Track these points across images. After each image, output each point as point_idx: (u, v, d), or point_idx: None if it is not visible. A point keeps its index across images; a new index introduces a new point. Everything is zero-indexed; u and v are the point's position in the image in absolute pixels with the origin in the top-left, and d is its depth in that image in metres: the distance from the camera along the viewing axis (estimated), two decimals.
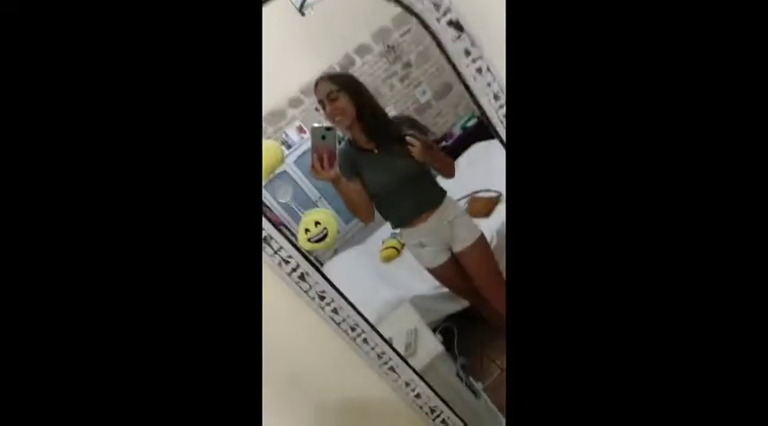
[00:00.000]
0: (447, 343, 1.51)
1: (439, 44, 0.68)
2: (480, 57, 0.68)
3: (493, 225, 1.42)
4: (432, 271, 1.44)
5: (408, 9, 0.63)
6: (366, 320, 0.71)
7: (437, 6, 0.62)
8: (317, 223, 0.67)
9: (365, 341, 0.71)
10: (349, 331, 0.70)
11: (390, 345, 0.73)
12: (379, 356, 0.72)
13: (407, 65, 3.30)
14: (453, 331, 1.75)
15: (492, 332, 1.81)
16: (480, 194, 2.21)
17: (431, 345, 1.32)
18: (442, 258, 1.40)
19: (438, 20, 0.64)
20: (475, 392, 1.43)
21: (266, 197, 2.83)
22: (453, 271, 1.42)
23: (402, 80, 3.31)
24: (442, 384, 1.26)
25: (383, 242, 2.51)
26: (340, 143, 1.04)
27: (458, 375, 1.39)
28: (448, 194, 1.36)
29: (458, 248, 1.39)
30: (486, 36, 0.67)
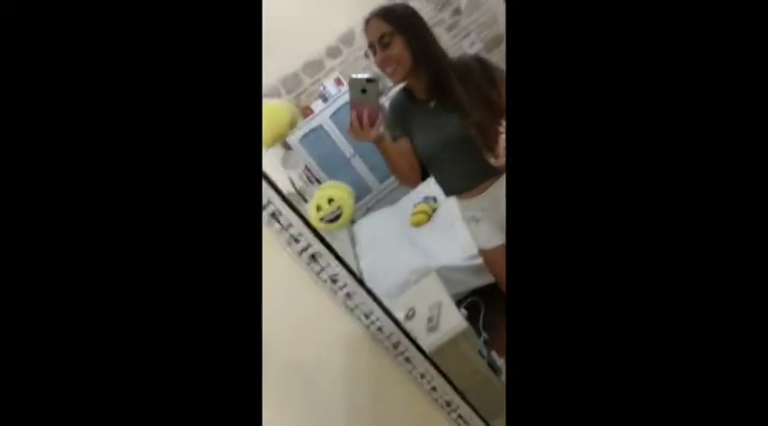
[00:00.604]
0: (472, 318, 1.47)
1: None
2: None
3: None
4: (483, 254, 1.19)
5: None
6: (382, 306, 0.66)
7: None
8: (330, 200, 0.60)
9: (380, 329, 0.67)
10: (363, 318, 0.66)
11: (407, 334, 0.68)
12: (394, 346, 0.68)
13: (457, 11, 2.99)
14: (480, 306, 1.70)
15: None
16: None
17: (454, 320, 1.28)
18: (498, 239, 1.13)
19: None
20: (496, 369, 1.40)
21: (302, 152, 2.81)
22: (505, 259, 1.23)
23: (450, 29, 3.02)
24: (462, 361, 1.24)
25: (415, 205, 2.46)
26: (380, 96, 0.85)
27: (480, 352, 1.35)
28: None
29: None
30: None
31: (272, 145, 0.66)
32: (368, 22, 0.94)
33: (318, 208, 0.61)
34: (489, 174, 1.04)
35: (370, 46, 0.94)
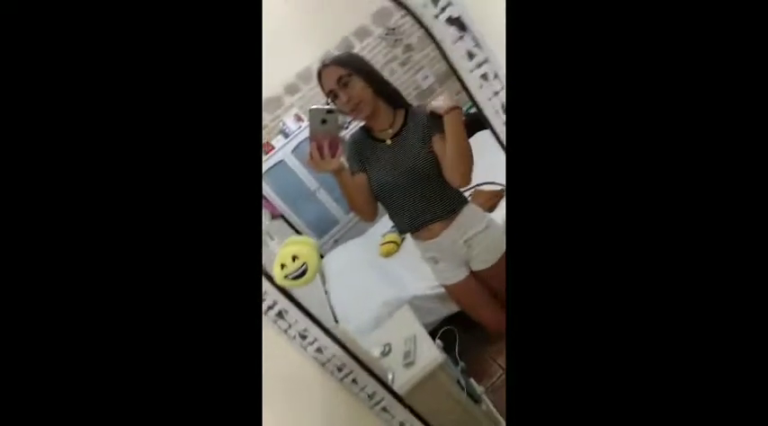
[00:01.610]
0: (447, 348, 1.47)
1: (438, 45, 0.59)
2: (486, 61, 0.59)
3: (497, 220, 1.27)
4: (447, 289, 1.23)
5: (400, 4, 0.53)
6: (354, 357, 0.65)
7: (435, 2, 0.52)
8: (294, 257, 0.60)
9: (354, 381, 0.65)
10: (336, 371, 0.64)
11: (382, 383, 0.67)
12: (369, 396, 0.66)
13: (409, 48, 3.15)
14: (454, 334, 1.70)
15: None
16: (483, 187, 2.12)
17: (431, 354, 1.27)
18: (460, 276, 1.16)
19: (436, 16, 0.55)
20: (476, 398, 1.40)
21: (265, 188, 2.77)
22: (472, 292, 1.19)
23: (403, 64, 3.16)
24: (441, 394, 1.22)
25: (383, 236, 2.47)
26: (344, 128, 0.87)
27: (458, 382, 1.34)
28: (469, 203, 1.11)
29: (477, 267, 1.16)
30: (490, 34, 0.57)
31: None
32: (321, 71, 0.96)
33: (282, 266, 0.60)
34: (445, 213, 1.07)
35: (330, 93, 0.96)
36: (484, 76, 0.60)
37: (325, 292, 2.19)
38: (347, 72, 0.94)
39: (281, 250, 0.65)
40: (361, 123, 1.08)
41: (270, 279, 0.60)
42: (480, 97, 0.61)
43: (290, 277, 0.62)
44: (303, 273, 0.63)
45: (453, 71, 0.61)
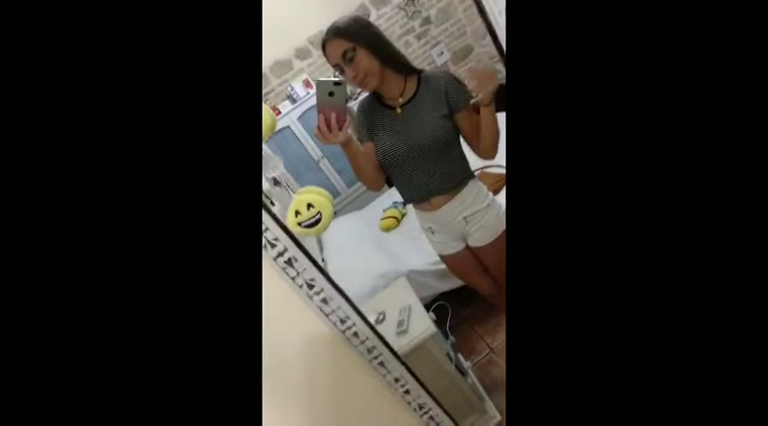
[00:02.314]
0: (439, 322, 1.49)
1: None
2: None
3: (502, 203, 1.27)
4: (442, 258, 1.24)
5: None
6: (358, 312, 0.66)
7: None
8: (309, 205, 0.59)
9: (355, 334, 0.66)
10: (339, 323, 0.65)
11: (382, 339, 0.68)
12: (369, 350, 0.67)
13: (427, 21, 3.06)
14: (447, 309, 1.73)
15: (484, 311, 1.80)
16: (490, 169, 2.11)
17: (423, 324, 1.29)
18: (455, 247, 1.18)
19: None
20: (462, 371, 1.44)
21: (266, 151, 2.74)
22: (467, 263, 1.20)
23: (419, 38, 3.08)
24: (431, 364, 1.25)
25: (384, 210, 2.47)
26: (351, 98, 0.85)
27: (447, 354, 1.38)
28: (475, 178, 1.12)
29: (474, 244, 1.16)
30: None
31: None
32: (325, 44, 0.93)
33: (297, 213, 0.60)
34: (447, 188, 1.07)
35: (335, 66, 0.94)
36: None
37: (322, 260, 2.21)
38: (351, 46, 0.90)
39: (297, 197, 0.65)
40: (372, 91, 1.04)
41: (282, 225, 0.59)
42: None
43: (304, 224, 0.62)
44: (317, 222, 0.63)
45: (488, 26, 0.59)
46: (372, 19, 2.81)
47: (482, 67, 1.01)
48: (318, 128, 0.82)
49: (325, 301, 0.63)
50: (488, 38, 2.85)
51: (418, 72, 1.04)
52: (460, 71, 3.07)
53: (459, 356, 1.53)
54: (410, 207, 1.18)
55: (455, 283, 1.72)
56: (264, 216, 0.57)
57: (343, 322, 0.65)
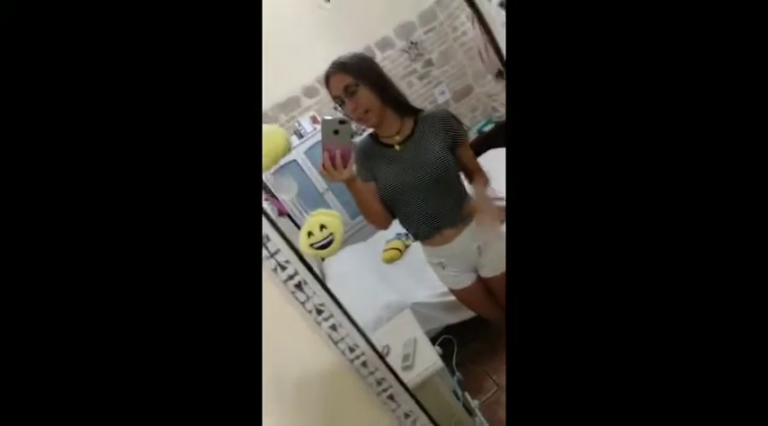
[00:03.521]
0: (445, 357, 1.45)
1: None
2: None
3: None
4: (454, 293, 1.22)
5: None
6: (368, 341, 0.64)
7: None
8: (322, 227, 0.60)
9: (364, 364, 0.64)
10: (347, 351, 0.63)
11: (392, 371, 0.65)
12: (378, 382, 0.65)
13: (429, 63, 3.22)
14: (453, 344, 1.68)
15: (491, 346, 1.74)
16: (494, 202, 2.14)
17: (429, 359, 1.25)
18: (467, 281, 1.17)
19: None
20: (470, 411, 1.37)
21: (272, 184, 2.79)
22: (479, 295, 1.19)
23: (422, 78, 3.23)
24: (438, 400, 1.20)
25: (387, 241, 2.46)
26: (352, 137, 0.88)
27: (454, 392, 1.32)
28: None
29: (486, 275, 1.16)
30: None
31: (269, 168, 0.66)
32: (328, 77, 0.96)
33: (310, 234, 0.60)
34: (456, 220, 1.07)
35: (336, 98, 0.96)
36: None
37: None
38: (354, 81, 0.93)
39: (310, 219, 0.65)
40: (369, 130, 1.07)
41: (293, 247, 0.59)
42: None
43: (316, 246, 0.62)
44: (329, 243, 0.63)
45: (498, 52, 0.62)
46: (378, 60, 2.96)
47: (434, 115, 1.05)
48: (323, 165, 0.83)
49: (334, 328, 0.62)
50: (489, 77, 2.96)
51: (416, 112, 1.07)
52: (460, 109, 3.18)
53: (467, 395, 1.47)
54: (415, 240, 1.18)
55: (461, 316, 1.68)
56: (276, 237, 0.58)
57: (351, 350, 0.63)
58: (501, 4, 0.61)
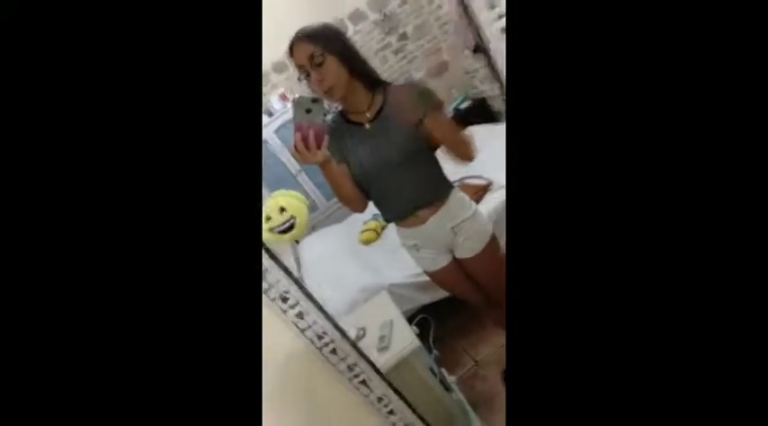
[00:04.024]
0: (422, 336, 1.45)
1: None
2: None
3: (484, 212, 1.26)
4: (429, 275, 1.20)
5: None
6: (337, 327, 0.61)
7: None
8: (282, 209, 0.55)
9: (334, 351, 0.61)
10: (315, 339, 0.61)
11: (363, 356, 0.64)
12: (349, 368, 0.63)
13: (403, 37, 3.11)
14: (429, 323, 1.69)
15: (468, 324, 1.77)
16: (469, 180, 2.13)
17: (406, 339, 1.25)
18: (442, 262, 1.14)
19: None
20: (447, 386, 1.39)
21: None
22: (455, 276, 1.17)
23: (396, 53, 3.12)
24: (414, 380, 1.21)
25: (364, 223, 2.44)
26: (326, 116, 0.82)
27: (431, 369, 1.34)
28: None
29: (462, 255, 1.13)
30: None
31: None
32: (292, 46, 0.89)
33: (268, 219, 0.56)
34: (430, 200, 1.03)
35: (300, 68, 0.89)
36: (503, 30, 0.57)
37: (300, 276, 2.14)
38: (320, 51, 0.87)
39: (269, 202, 0.60)
40: (337, 108, 1.01)
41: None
42: (499, 50, 0.58)
43: (277, 230, 0.58)
44: (291, 227, 0.59)
45: (472, 22, 0.58)
46: (349, 34, 2.84)
47: (403, 87, 0.99)
48: (295, 146, 0.79)
49: (300, 315, 0.59)
50: (466, 52, 2.90)
51: (386, 85, 1.00)
52: (437, 85, 3.12)
53: (443, 371, 1.49)
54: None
55: (437, 295, 1.69)
56: None
57: (320, 338, 0.60)
58: None
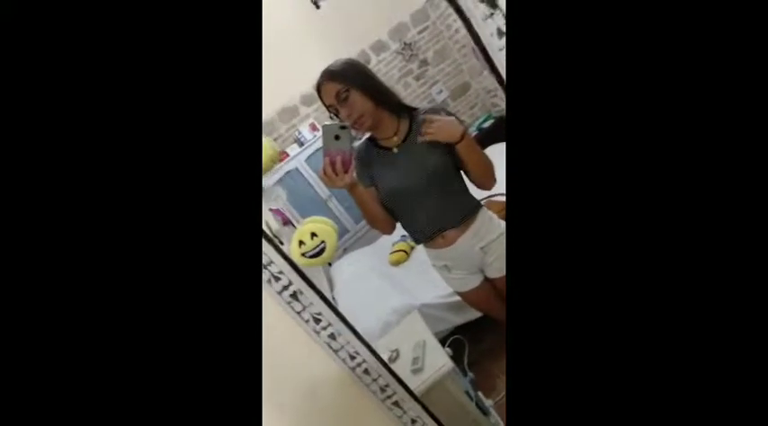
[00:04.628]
0: (456, 358, 1.43)
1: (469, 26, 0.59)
2: None
3: None
4: (461, 296, 1.20)
5: None
6: (369, 347, 0.63)
7: None
8: (313, 234, 0.59)
9: (366, 371, 0.63)
10: (348, 359, 0.62)
11: (396, 377, 0.64)
12: (382, 389, 0.64)
13: (424, 63, 3.21)
14: (464, 344, 1.66)
15: (502, 346, 1.71)
16: (496, 198, 2.11)
17: (439, 361, 1.24)
18: (474, 282, 1.14)
19: None
20: (484, 410, 1.35)
21: (276, 192, 2.80)
22: (487, 296, 1.16)
23: (418, 78, 3.21)
24: (450, 402, 1.18)
25: (393, 244, 2.45)
26: (353, 142, 0.83)
27: (467, 392, 1.30)
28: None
29: (492, 275, 1.13)
30: None
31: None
32: (319, 88, 0.96)
33: (301, 243, 0.60)
34: (458, 220, 1.04)
35: (330, 107, 0.95)
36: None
37: (333, 299, 2.17)
38: (344, 87, 0.92)
39: (301, 227, 0.65)
40: (366, 134, 1.06)
41: (286, 257, 0.59)
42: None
43: (308, 255, 0.62)
44: (321, 251, 0.63)
45: (482, 49, 0.61)
46: (372, 64, 2.96)
47: (438, 116, 1.00)
48: (324, 171, 0.83)
49: (332, 336, 0.61)
50: (485, 73, 2.95)
51: (411, 110, 1.05)
52: (459, 107, 3.16)
53: (480, 394, 1.45)
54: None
55: (470, 316, 1.67)
56: (268, 248, 0.57)
57: (353, 358, 0.62)
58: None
